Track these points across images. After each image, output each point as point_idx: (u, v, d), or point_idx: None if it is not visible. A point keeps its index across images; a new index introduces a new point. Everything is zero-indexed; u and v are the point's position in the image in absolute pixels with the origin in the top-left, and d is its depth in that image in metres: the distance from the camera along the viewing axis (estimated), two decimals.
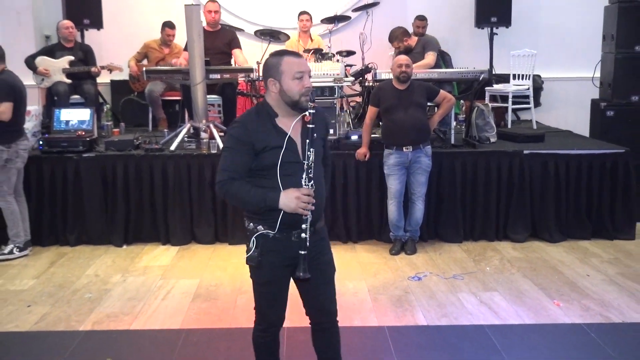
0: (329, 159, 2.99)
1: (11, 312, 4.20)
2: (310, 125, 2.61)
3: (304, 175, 2.60)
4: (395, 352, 3.60)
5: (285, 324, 3.98)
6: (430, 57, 6.41)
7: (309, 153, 2.61)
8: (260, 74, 6.53)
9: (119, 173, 5.58)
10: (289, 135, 2.66)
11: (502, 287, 4.61)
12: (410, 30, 7.59)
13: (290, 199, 2.56)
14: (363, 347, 3.69)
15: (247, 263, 2.74)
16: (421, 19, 7.49)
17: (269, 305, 2.83)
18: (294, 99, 2.63)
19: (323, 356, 3.01)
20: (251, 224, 2.72)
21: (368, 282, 4.70)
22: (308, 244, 2.61)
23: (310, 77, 2.69)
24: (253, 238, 2.69)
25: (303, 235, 2.60)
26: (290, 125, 2.68)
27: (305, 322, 3.25)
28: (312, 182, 2.61)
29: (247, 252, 2.71)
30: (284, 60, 2.66)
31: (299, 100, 2.63)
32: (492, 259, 5.24)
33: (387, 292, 4.51)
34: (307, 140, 2.61)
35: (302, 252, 2.62)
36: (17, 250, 5.26)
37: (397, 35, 6.48)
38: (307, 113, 2.61)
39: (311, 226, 2.64)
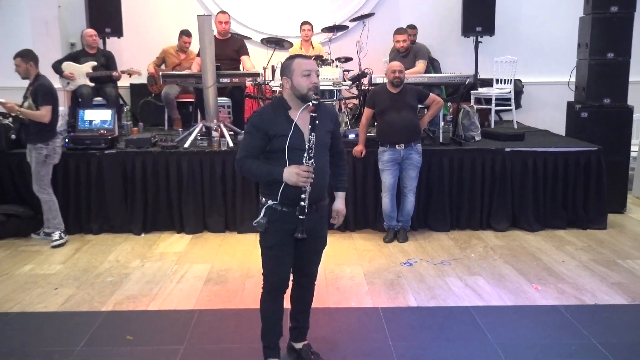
0: (340, 149, 3.17)
1: (40, 294, 4.20)
2: (313, 114, 2.79)
3: (305, 155, 2.80)
4: (389, 330, 3.60)
5: None
6: (420, 65, 6.38)
7: (310, 136, 2.80)
8: (266, 78, 6.56)
9: (138, 168, 5.58)
10: (296, 124, 2.85)
11: (485, 272, 4.61)
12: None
13: (291, 174, 2.77)
14: (359, 326, 3.70)
15: (257, 230, 2.91)
16: (412, 28, 7.46)
17: (274, 267, 2.96)
18: (302, 93, 2.84)
19: (296, 307, 3.22)
20: (264, 199, 2.92)
21: (364, 267, 4.70)
22: (306, 211, 2.81)
23: (317, 76, 2.90)
24: (263, 209, 2.89)
25: (302, 203, 2.81)
26: (300, 116, 2.88)
27: (314, 304, 3.26)
28: (312, 160, 2.80)
29: (259, 220, 2.90)
30: (295, 61, 2.89)
31: (307, 94, 2.83)
32: (477, 246, 5.24)
33: (381, 277, 4.51)
34: (310, 126, 2.81)
35: (301, 217, 2.83)
36: (64, 234, 5.29)
37: (405, 29, 6.46)
38: (310, 103, 2.80)
39: (313, 203, 2.86)
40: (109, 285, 4.36)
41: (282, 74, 2.93)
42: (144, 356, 3.33)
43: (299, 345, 3.26)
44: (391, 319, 3.75)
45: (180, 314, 3.87)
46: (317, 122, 2.80)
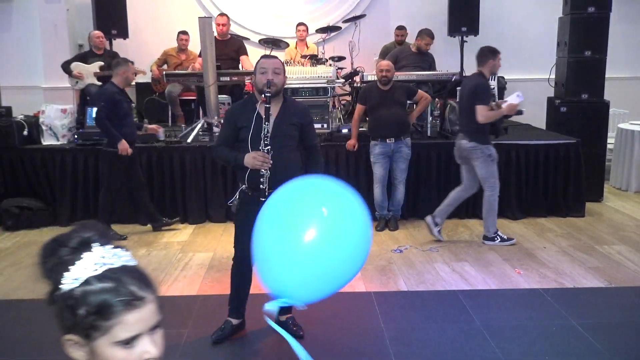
0: (313, 144, 3.31)
1: None
2: (267, 105, 2.99)
3: (261, 142, 3.01)
4: (380, 313, 3.59)
5: None
6: None
7: (264, 125, 3.00)
8: None
9: (144, 162, 5.52)
10: (257, 116, 3.05)
11: (471, 257, 4.60)
12: (393, 39, 7.54)
13: (249, 158, 3.01)
14: (353, 309, 3.69)
15: (231, 208, 3.20)
16: (400, 29, 7.42)
17: (236, 241, 3.21)
18: (258, 87, 3.07)
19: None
20: (240, 183, 3.17)
21: None
22: (267, 194, 2.90)
23: (277, 73, 3.06)
24: (237, 192, 3.15)
25: (261, 186, 2.99)
26: (263, 109, 3.08)
27: None
28: (269, 147, 3.00)
29: (233, 201, 3.18)
30: (259, 61, 3.15)
31: (262, 89, 3.02)
32: (463, 234, 5.23)
33: (373, 263, 4.49)
34: (264, 116, 3.01)
35: (262, 199, 2.89)
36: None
37: (428, 33, 6.63)
38: (263, 95, 2.99)
39: (270, 188, 2.92)
40: None
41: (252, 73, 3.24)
42: None
43: (282, 318, 3.31)
44: (383, 303, 3.75)
45: (185, 299, 3.86)
46: (270, 112, 3.00)
